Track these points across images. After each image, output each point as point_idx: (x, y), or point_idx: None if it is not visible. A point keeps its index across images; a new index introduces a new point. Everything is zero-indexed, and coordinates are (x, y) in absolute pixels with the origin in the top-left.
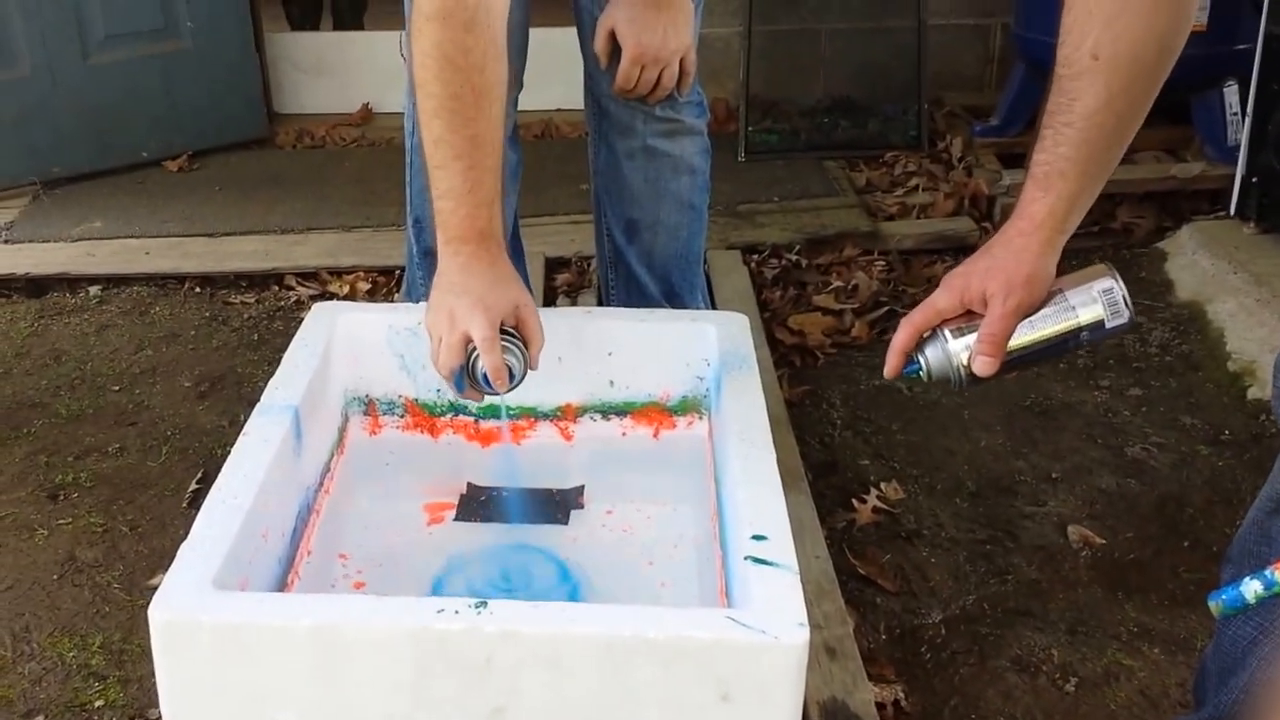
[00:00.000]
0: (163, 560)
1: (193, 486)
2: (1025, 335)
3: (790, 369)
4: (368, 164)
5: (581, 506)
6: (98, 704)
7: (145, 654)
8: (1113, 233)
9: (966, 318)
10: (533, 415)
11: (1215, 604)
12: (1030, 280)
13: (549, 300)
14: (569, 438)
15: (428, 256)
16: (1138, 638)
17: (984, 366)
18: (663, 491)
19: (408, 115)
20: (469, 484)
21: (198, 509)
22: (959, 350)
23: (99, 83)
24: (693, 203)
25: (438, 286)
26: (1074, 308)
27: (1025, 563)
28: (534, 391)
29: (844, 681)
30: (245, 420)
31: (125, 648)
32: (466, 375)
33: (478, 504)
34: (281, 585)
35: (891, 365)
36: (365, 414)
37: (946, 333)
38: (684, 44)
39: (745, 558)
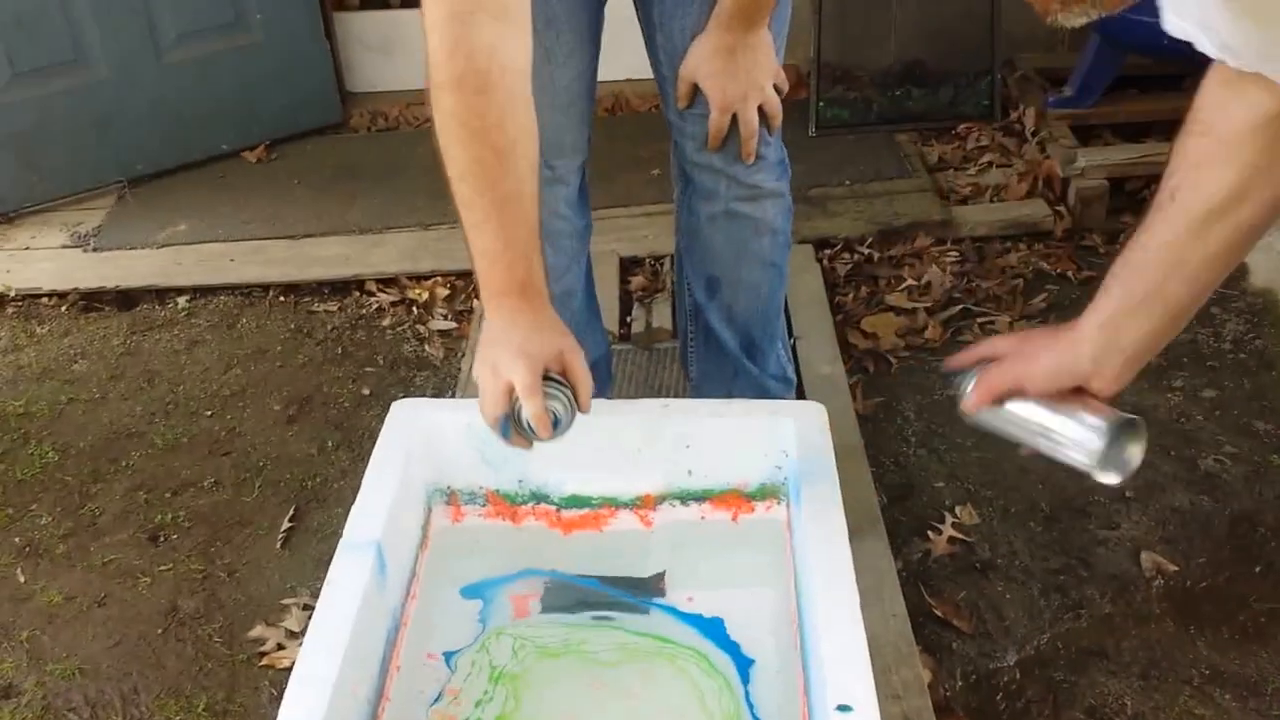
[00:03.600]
0: (259, 609)
1: (285, 525)
2: (1021, 409)
3: (864, 376)
4: None
5: (663, 593)
6: None
7: (247, 715)
8: None
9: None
10: (613, 504)
11: None
12: (1049, 374)
13: (624, 308)
14: (649, 524)
15: None
16: (1209, 681)
17: (965, 405)
18: (743, 575)
19: None
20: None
21: (290, 550)
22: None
23: (174, 81)
24: (774, 261)
25: (483, 341)
26: (1081, 424)
27: (1098, 594)
28: (613, 481)
29: None
30: (332, 447)
31: (229, 708)
32: (512, 423)
33: (561, 594)
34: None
35: (952, 362)
36: (447, 504)
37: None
38: (771, 71)
39: None
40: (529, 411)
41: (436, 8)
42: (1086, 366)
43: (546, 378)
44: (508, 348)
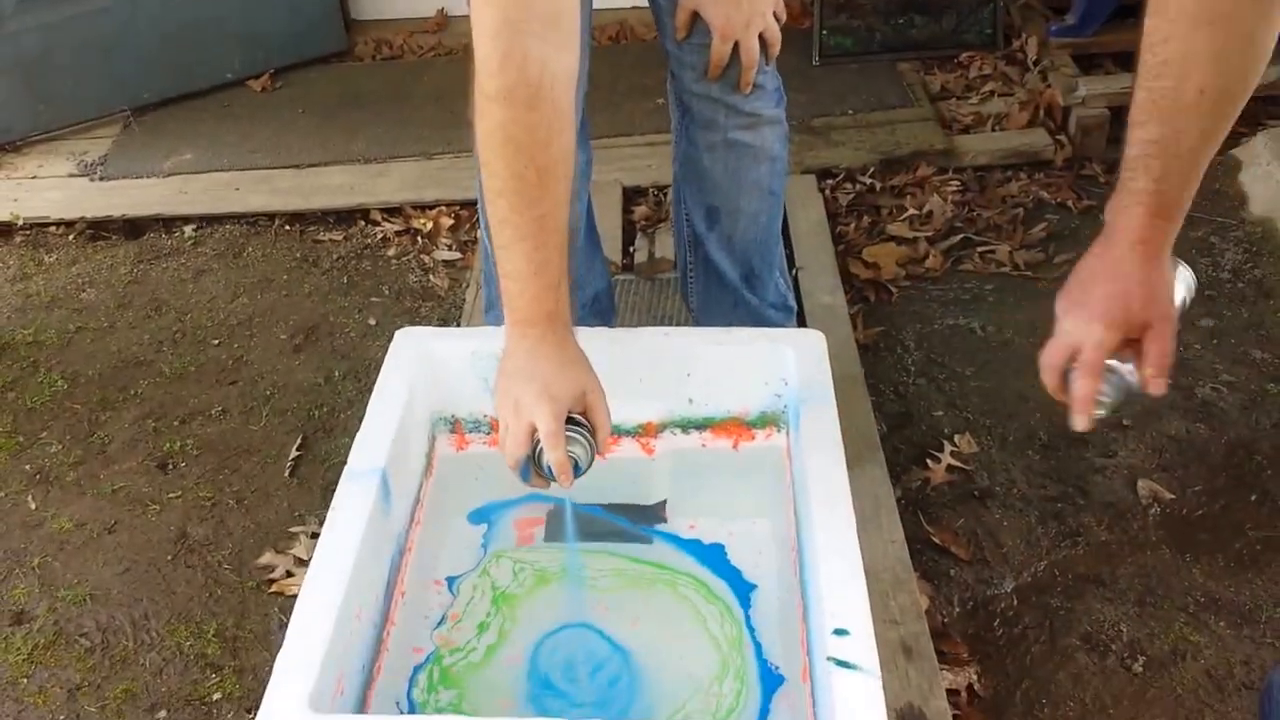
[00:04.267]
0: (268, 536)
1: (293, 454)
2: None
3: (865, 305)
4: (445, 77)
5: (664, 520)
6: (215, 696)
7: (257, 641)
8: None
9: None
10: (615, 432)
11: None
12: None
13: (627, 238)
14: (650, 452)
15: None
16: (1204, 609)
17: None
18: (744, 504)
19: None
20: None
21: (298, 479)
22: None
23: (180, 8)
24: (772, 188)
25: (504, 370)
26: None
27: (1095, 522)
28: (615, 411)
29: (920, 686)
30: (338, 376)
31: (238, 634)
32: (532, 464)
33: (564, 522)
34: (378, 645)
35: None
36: (452, 431)
37: None
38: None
39: (827, 658)
40: (552, 459)
41: (488, 15)
42: None
43: (568, 419)
44: (531, 386)
